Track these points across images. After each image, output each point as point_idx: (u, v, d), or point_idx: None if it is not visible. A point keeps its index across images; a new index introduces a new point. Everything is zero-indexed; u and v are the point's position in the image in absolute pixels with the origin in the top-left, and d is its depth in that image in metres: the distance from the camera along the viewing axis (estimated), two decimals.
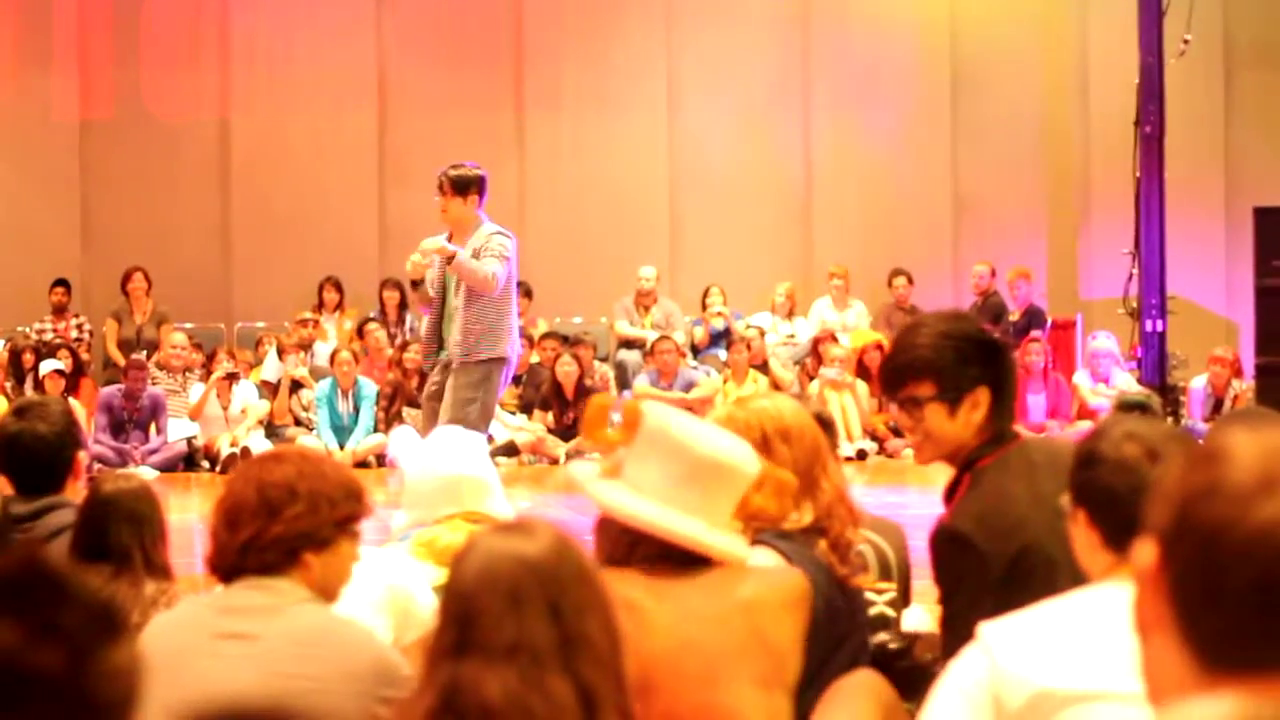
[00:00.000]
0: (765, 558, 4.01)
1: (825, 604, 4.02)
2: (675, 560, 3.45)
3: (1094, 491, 3.01)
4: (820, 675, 4.01)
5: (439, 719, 2.58)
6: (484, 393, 9.72)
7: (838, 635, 4.06)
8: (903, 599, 4.73)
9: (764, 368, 16.11)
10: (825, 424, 4.76)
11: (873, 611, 4.49)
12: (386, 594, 4.19)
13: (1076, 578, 3.53)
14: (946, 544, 3.86)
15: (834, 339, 16.35)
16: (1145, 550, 1.64)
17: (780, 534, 4.05)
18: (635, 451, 3.63)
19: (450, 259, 9.61)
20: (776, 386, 15.50)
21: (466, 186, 9.68)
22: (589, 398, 14.64)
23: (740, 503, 3.73)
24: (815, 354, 16.31)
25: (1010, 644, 2.78)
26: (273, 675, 3.30)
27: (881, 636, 4.33)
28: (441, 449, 4.88)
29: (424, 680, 2.67)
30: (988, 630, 2.83)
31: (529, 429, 15.32)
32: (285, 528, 3.39)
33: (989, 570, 3.77)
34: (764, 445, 4.08)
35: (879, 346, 16.06)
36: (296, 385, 15.69)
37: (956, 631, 3.88)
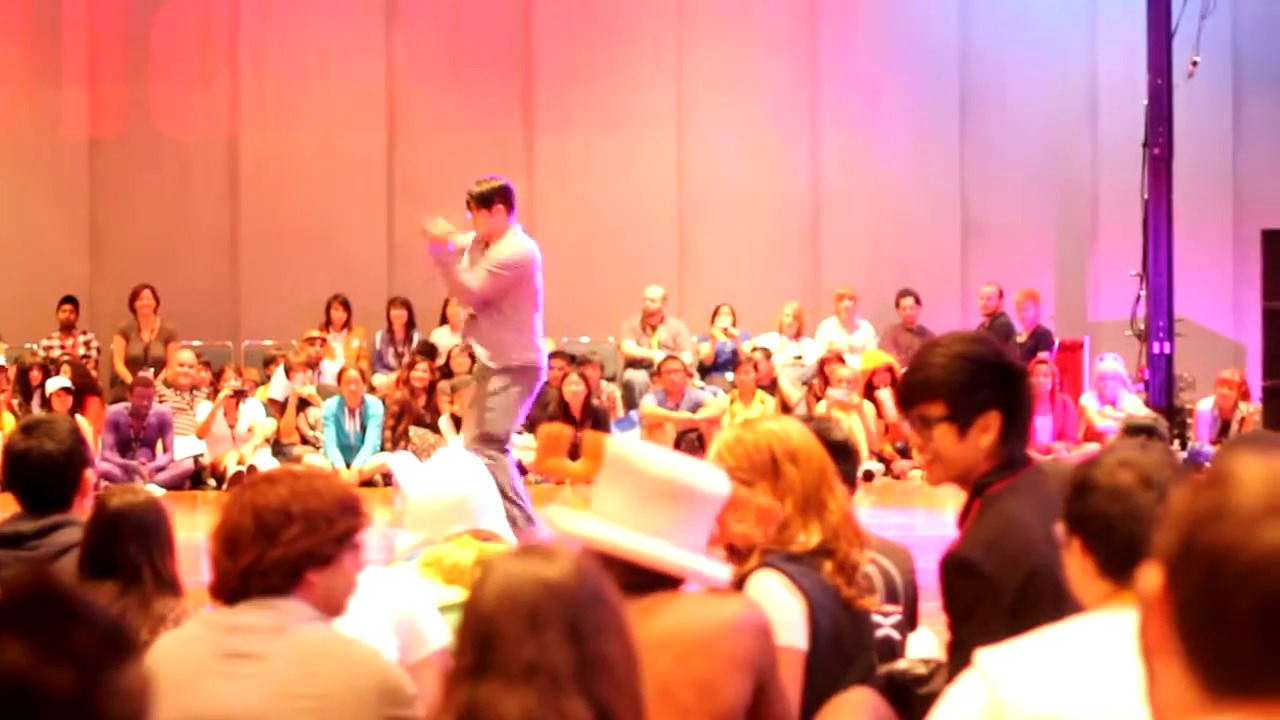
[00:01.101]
0: (769, 580, 4.00)
1: (831, 625, 4.02)
2: (633, 589, 3.41)
3: (1088, 519, 3.00)
4: (830, 696, 4.00)
5: None
6: (504, 398, 9.83)
7: (844, 656, 4.05)
8: (909, 622, 4.73)
9: (771, 388, 16.09)
10: (849, 449, 4.79)
11: (879, 634, 4.48)
12: (392, 614, 4.18)
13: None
14: (955, 572, 3.83)
15: (840, 360, 16.34)
16: (1151, 574, 1.64)
17: (787, 556, 4.05)
18: (601, 481, 3.65)
19: (440, 251, 9.76)
20: (785, 407, 15.49)
21: (490, 199, 9.90)
22: (595, 417, 14.73)
23: (721, 529, 3.73)
24: (822, 375, 16.29)
25: (1008, 672, 2.77)
26: (279, 695, 3.30)
27: (903, 664, 4.32)
28: (446, 468, 4.89)
29: (442, 702, 2.67)
30: (985, 658, 2.82)
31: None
32: (285, 550, 3.39)
33: (1000, 598, 3.74)
34: (772, 467, 4.08)
35: (889, 369, 16.06)
36: (304, 403, 15.69)
37: (965, 659, 3.86)
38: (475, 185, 10.01)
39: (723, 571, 3.71)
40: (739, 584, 4.00)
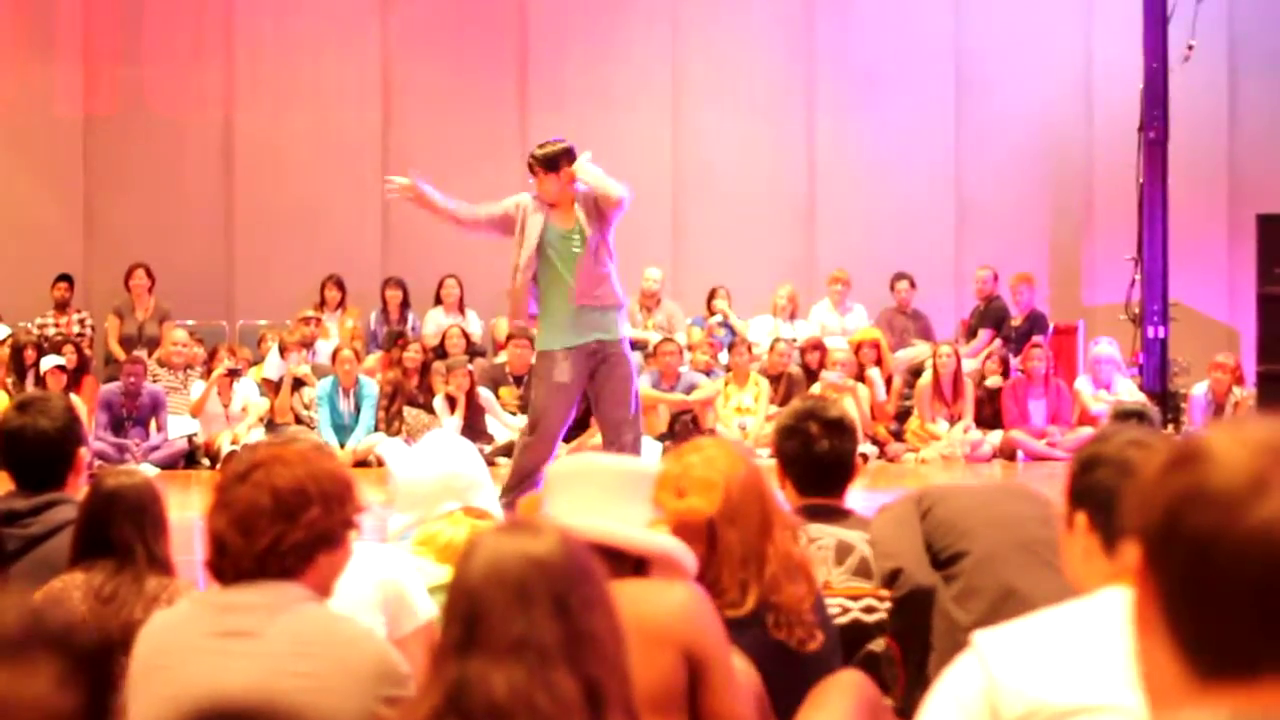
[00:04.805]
0: None
1: (775, 682, 3.91)
2: None
3: (1095, 492, 2.99)
4: None
5: (445, 717, 2.58)
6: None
7: (799, 699, 3.96)
8: None
9: (778, 379, 15.96)
10: (845, 426, 4.82)
11: (874, 618, 4.50)
12: (377, 590, 4.18)
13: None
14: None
15: (819, 348, 16.16)
16: (1132, 552, 1.62)
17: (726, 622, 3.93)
18: (552, 499, 3.69)
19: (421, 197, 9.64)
20: (788, 392, 15.37)
21: (556, 162, 9.66)
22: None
23: (669, 512, 3.71)
24: (804, 366, 16.09)
25: (1006, 654, 2.76)
26: (274, 673, 3.30)
27: None
28: (434, 448, 4.91)
29: (430, 678, 2.67)
30: (983, 640, 2.81)
31: None
32: (305, 532, 3.38)
33: (910, 502, 4.73)
34: (710, 534, 3.98)
35: (875, 345, 16.05)
36: (298, 383, 15.68)
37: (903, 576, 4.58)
38: (538, 149, 9.74)
39: (668, 541, 3.68)
40: None
